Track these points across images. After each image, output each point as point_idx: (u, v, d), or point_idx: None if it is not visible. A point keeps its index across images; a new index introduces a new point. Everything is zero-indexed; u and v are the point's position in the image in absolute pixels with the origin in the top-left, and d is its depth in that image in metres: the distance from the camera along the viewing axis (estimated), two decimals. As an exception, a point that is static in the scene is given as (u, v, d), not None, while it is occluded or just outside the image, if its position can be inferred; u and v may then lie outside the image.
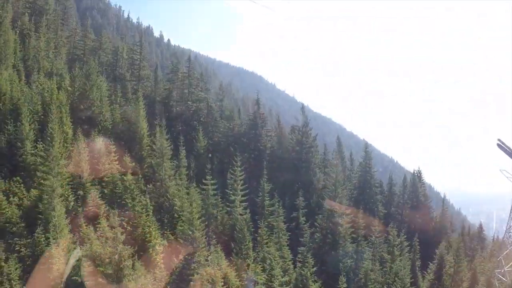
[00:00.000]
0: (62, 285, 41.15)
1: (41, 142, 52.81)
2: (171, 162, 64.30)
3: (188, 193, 59.31)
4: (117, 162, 57.93)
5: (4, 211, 45.82)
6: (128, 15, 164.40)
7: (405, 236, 68.54)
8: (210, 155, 75.60)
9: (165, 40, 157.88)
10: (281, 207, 65.17)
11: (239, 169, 64.05)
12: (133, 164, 59.92)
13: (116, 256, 39.01)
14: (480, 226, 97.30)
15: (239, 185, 63.66)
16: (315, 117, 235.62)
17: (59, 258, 41.27)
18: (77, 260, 41.92)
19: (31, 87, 63.80)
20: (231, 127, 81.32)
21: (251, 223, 59.80)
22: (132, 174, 57.71)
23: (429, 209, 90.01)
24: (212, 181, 60.01)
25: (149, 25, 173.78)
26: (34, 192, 48.72)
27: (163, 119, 72.18)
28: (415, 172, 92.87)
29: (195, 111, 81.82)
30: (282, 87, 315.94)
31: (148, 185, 59.34)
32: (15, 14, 79.36)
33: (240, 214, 60.78)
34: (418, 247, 68.51)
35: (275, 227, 61.85)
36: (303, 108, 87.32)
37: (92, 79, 66.01)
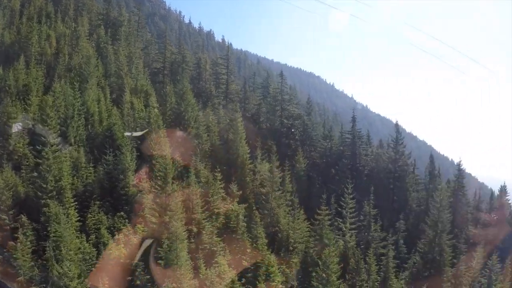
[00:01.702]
0: None
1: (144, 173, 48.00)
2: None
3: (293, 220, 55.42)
4: (223, 191, 52.63)
5: (111, 251, 40.78)
6: (190, 20, 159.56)
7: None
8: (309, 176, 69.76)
9: (227, 44, 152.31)
10: (383, 231, 62.06)
11: (350, 196, 58.44)
12: (240, 192, 54.44)
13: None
14: None
15: (349, 213, 58.33)
16: (374, 117, 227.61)
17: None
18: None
19: (121, 108, 58.68)
20: (329, 146, 75.12)
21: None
22: (238, 202, 52.70)
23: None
24: (326, 211, 54.47)
25: (211, 29, 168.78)
26: (140, 228, 43.61)
27: (273, 144, 65.81)
28: (501, 188, 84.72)
29: (289, 128, 75.64)
30: (340, 87, 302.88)
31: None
32: (89, 27, 74.54)
33: (348, 242, 55.33)
34: None
35: (383, 254, 56.87)
36: (397, 125, 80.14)
37: (186, 98, 60.54)
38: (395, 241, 63.03)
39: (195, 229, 45.26)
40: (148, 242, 42.77)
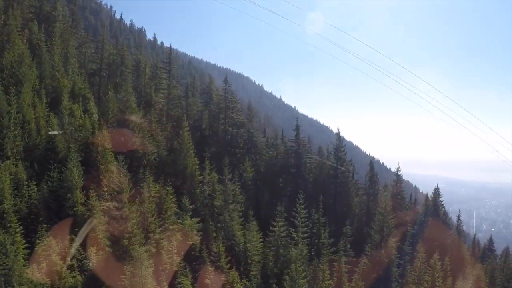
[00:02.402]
0: None
1: (93, 190, 44.32)
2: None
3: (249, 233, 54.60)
4: (176, 205, 50.29)
5: (65, 279, 37.56)
6: (121, 16, 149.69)
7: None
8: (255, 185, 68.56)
9: (159, 42, 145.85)
10: (331, 237, 62.96)
11: (302, 206, 58.69)
12: (193, 206, 52.24)
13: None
14: (490, 239, 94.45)
15: (301, 222, 58.82)
16: (302, 118, 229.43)
17: None
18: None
19: (60, 115, 53.62)
20: (274, 155, 74.02)
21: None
22: (191, 216, 50.82)
23: (448, 227, 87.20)
24: (280, 223, 54.87)
25: (142, 27, 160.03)
26: (92, 250, 40.60)
27: (226, 157, 63.24)
28: (435, 190, 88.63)
29: (234, 136, 73.42)
30: (269, 89, 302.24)
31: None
32: (21, 20, 67.37)
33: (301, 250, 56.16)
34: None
35: (334, 260, 57.44)
36: (338, 134, 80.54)
37: (130, 106, 56.96)
38: (343, 246, 63.92)
39: (153, 249, 42.90)
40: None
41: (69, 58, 65.33)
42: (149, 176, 50.45)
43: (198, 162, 58.85)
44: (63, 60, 64.31)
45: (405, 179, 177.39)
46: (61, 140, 48.63)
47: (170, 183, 50.66)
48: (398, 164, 79.20)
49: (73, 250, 39.85)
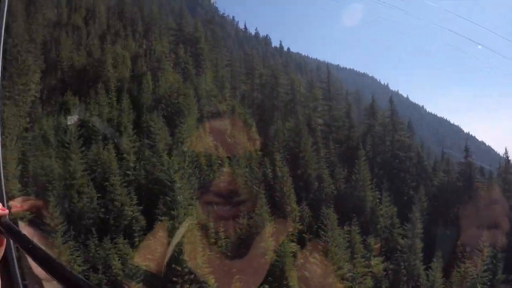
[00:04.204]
0: None
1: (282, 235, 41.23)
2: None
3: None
4: (362, 246, 46.09)
5: None
6: (245, 26, 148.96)
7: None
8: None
9: (285, 49, 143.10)
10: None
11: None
12: (378, 245, 47.81)
13: None
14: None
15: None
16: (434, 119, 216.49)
17: None
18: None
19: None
20: (446, 180, 67.17)
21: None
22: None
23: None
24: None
25: (267, 35, 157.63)
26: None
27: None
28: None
29: (403, 161, 67.31)
30: (395, 88, 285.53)
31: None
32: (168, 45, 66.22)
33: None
34: None
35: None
36: (507, 157, 70.43)
37: (303, 136, 53.45)
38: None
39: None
40: None
41: (224, 83, 62.72)
42: (332, 214, 46.37)
43: (379, 196, 54.06)
44: (217, 84, 62.01)
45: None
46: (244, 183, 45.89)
47: (357, 222, 46.50)
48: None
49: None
